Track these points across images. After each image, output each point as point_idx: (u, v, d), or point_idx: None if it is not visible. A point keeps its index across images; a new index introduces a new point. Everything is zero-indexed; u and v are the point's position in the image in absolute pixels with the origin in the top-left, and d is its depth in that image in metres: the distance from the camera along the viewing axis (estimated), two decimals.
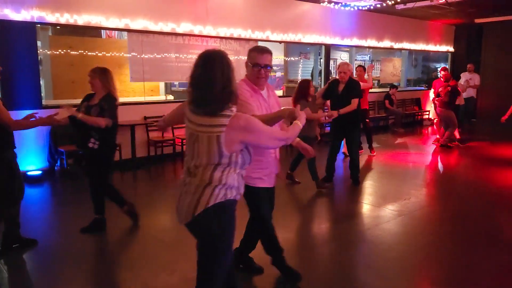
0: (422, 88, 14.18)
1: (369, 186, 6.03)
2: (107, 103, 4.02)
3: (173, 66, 7.87)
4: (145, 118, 7.48)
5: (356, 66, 9.12)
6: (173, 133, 7.77)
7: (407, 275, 3.44)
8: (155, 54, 7.62)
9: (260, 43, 9.17)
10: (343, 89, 5.69)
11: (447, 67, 10.52)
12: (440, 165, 7.68)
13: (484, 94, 12.27)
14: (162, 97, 9.43)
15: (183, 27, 7.76)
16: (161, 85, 9.73)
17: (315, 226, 4.65)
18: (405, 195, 5.47)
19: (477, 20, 12.70)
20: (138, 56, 7.41)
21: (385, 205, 5.13)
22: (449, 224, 4.61)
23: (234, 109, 2.10)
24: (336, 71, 15.62)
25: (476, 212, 4.97)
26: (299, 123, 2.42)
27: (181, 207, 2.16)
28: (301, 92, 5.59)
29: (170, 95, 9.80)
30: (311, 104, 5.62)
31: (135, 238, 4.22)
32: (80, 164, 6.71)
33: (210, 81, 2.03)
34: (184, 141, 7.71)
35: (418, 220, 4.71)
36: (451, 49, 14.10)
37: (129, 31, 7.26)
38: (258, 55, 2.81)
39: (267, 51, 2.84)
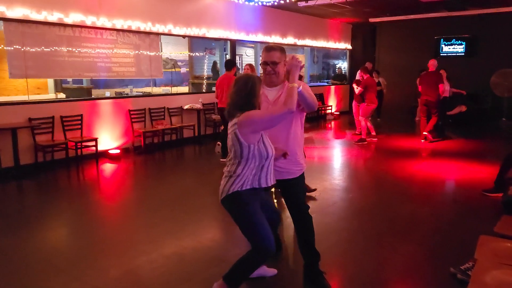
0: (325, 83, 14.74)
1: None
2: None
3: (64, 61, 7.01)
4: (30, 120, 6.55)
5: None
6: (65, 136, 6.92)
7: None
8: (43, 47, 6.71)
9: (162, 37, 8.64)
10: None
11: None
12: (346, 160, 7.89)
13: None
14: (51, 96, 8.41)
15: (73, 17, 6.94)
16: (50, 82, 8.69)
17: (215, 230, 4.36)
18: (314, 192, 5.42)
19: (371, 20, 13.52)
20: (21, 48, 6.45)
21: None
22: (359, 219, 4.65)
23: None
24: (242, 67, 15.40)
25: (383, 205, 5.10)
26: (295, 85, 2.54)
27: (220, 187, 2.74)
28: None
29: (62, 93, 8.79)
30: None
31: (19, 263, 3.54)
32: None
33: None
34: (78, 144, 6.92)
35: (330, 216, 4.68)
36: (349, 46, 14.84)
37: (5, 20, 6.27)
38: (263, 53, 2.86)
39: (272, 49, 2.85)
